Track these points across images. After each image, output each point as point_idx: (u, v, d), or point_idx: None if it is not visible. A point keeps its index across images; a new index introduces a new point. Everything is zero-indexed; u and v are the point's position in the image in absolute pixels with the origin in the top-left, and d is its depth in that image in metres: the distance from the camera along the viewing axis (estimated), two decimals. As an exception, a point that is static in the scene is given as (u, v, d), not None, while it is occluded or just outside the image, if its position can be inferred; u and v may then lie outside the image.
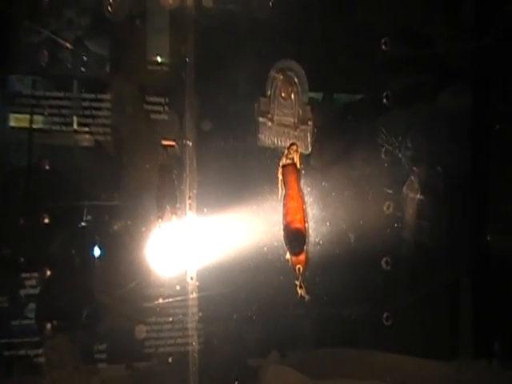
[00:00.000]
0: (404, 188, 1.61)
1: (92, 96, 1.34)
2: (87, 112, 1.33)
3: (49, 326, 1.30)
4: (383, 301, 1.53)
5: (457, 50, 1.64)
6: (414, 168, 1.61)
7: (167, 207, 1.37)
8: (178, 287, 1.37)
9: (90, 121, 1.33)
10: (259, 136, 1.36)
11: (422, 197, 1.63)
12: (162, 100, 1.38)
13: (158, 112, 1.38)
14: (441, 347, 1.65)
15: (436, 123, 1.66)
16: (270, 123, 1.37)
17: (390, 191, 1.54)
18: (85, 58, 1.36)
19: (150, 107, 1.37)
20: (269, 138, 1.37)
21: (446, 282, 1.67)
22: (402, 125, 1.59)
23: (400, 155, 1.58)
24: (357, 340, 1.54)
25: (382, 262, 1.52)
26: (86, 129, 1.34)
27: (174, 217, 1.37)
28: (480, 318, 1.70)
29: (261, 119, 1.36)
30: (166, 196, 1.37)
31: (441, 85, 1.69)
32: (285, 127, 1.37)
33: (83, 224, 1.37)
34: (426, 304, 1.62)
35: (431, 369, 1.57)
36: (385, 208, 1.54)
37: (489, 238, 1.72)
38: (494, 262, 1.71)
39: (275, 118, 1.37)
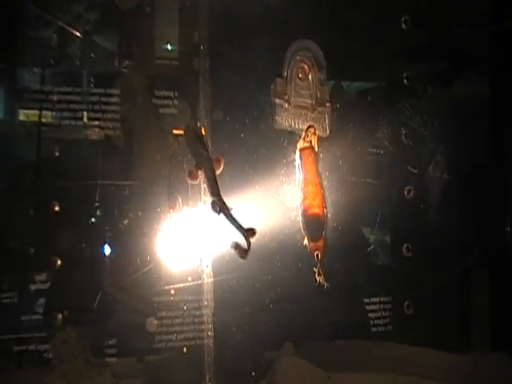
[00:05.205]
0: (429, 169, 1.58)
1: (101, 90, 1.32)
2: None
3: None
4: (404, 289, 1.50)
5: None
6: (437, 152, 1.58)
7: (179, 197, 1.34)
8: (191, 277, 1.34)
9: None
10: (276, 118, 1.33)
11: (442, 184, 1.60)
12: (170, 93, 1.35)
13: (168, 106, 1.35)
14: (460, 338, 1.63)
15: (456, 110, 1.63)
16: (286, 105, 1.33)
17: (415, 170, 1.50)
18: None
19: (159, 101, 1.35)
20: (286, 120, 1.33)
21: (466, 271, 1.64)
22: (423, 109, 1.55)
23: (422, 139, 1.54)
24: (376, 330, 1.50)
25: (403, 249, 1.49)
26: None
27: (188, 204, 1.34)
28: (499, 309, 1.66)
29: (277, 101, 1.33)
30: (180, 184, 1.34)
31: (459, 69, 1.66)
32: (302, 109, 1.34)
33: (94, 218, 1.35)
34: (446, 293, 1.59)
35: (449, 360, 1.54)
36: (405, 193, 1.51)
37: (508, 229, 1.68)
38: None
39: (292, 99, 1.34)
